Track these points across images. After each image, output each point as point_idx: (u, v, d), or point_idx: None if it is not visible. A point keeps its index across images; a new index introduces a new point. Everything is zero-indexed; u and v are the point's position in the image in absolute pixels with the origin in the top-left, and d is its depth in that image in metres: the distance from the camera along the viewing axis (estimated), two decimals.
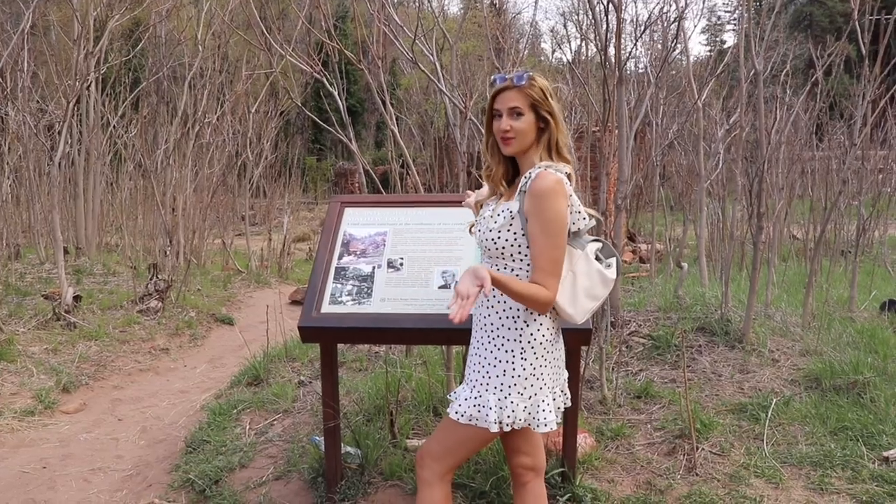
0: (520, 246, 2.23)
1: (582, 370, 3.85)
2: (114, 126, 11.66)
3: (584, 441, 3.67)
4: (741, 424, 4.08)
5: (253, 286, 10.17)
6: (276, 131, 13.25)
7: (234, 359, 6.49)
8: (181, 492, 3.76)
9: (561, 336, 2.40)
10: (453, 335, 2.94)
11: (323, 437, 3.47)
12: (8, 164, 10.07)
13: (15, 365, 5.64)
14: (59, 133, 8.12)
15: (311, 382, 4.95)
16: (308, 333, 2.96)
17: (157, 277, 7.68)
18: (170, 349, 6.83)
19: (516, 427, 2.26)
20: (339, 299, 3.02)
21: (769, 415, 4.08)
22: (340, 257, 3.20)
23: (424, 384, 4.18)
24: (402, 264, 3.14)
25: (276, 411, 4.55)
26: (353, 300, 3.01)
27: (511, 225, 2.23)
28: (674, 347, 5.16)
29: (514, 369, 2.26)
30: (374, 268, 3.14)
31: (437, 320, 2.89)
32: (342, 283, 3.08)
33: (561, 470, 3.36)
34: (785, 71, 6.15)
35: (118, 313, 7.26)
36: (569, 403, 2.46)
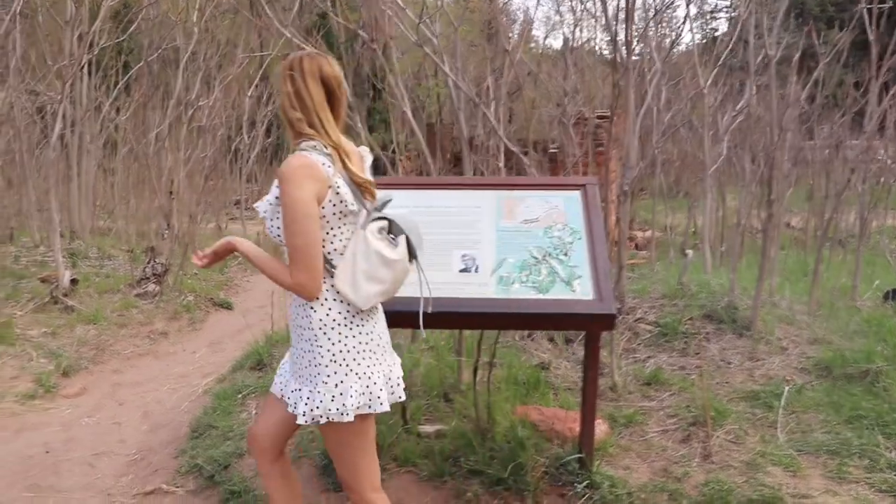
0: None
1: None
2: (106, 110, 11.51)
3: (597, 428, 3.63)
4: (754, 412, 4.06)
5: (250, 270, 10.08)
6: (270, 115, 13.12)
7: (233, 343, 6.42)
8: (189, 477, 3.71)
9: (374, 320, 2.29)
10: (475, 320, 2.89)
11: None
12: None
13: (14, 348, 5.55)
14: (55, 114, 8.01)
15: None
16: None
17: (155, 261, 7.58)
18: (168, 333, 6.76)
19: (332, 419, 2.17)
20: None
21: (782, 403, 4.05)
22: None
23: (434, 370, 4.13)
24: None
25: None
26: None
27: (278, 213, 2.18)
28: (681, 335, 5.14)
29: (315, 358, 2.20)
30: None
31: (459, 304, 2.84)
32: None
33: (578, 456, 3.33)
34: (797, 57, 6.11)
35: (115, 297, 7.17)
36: (402, 396, 2.35)
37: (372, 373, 2.22)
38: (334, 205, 2.15)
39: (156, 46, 11.54)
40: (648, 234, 11.11)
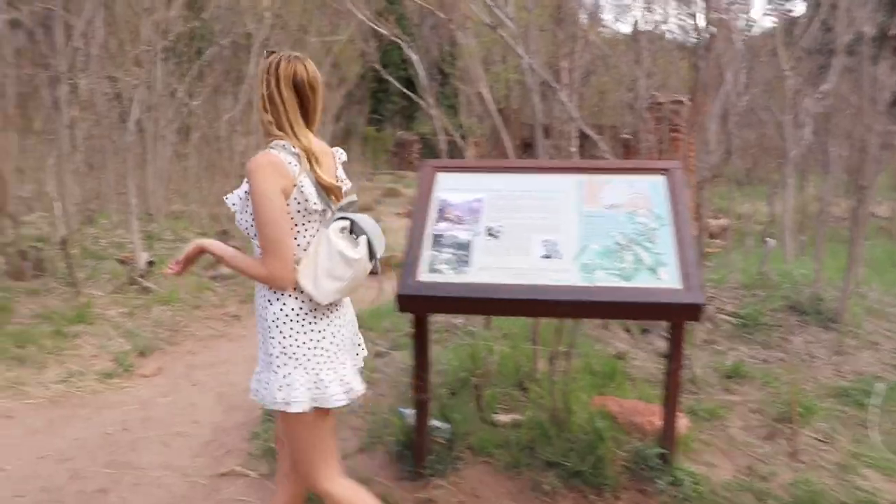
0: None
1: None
2: (180, 95, 11.70)
3: (678, 421, 3.51)
4: (844, 410, 3.88)
5: None
6: (341, 100, 13.17)
7: None
8: (262, 460, 3.72)
9: (329, 319, 2.30)
10: (558, 307, 2.80)
11: (410, 410, 3.38)
12: (78, 131, 10.18)
13: (94, 327, 5.70)
14: (131, 100, 8.18)
15: (388, 353, 4.86)
16: (407, 302, 2.84)
17: (227, 244, 7.68)
18: (241, 316, 6.84)
19: (279, 407, 2.24)
20: (437, 267, 2.89)
21: (876, 401, 3.85)
22: (436, 224, 3.07)
23: (509, 358, 4.05)
24: (500, 232, 3.00)
25: None
26: (452, 268, 2.88)
27: (247, 207, 2.25)
28: (763, 326, 4.95)
29: (269, 348, 2.27)
30: (471, 235, 3.00)
31: (542, 291, 2.75)
32: (439, 251, 2.95)
33: (660, 451, 3.21)
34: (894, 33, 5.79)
35: (190, 279, 7.28)
36: (359, 391, 2.36)
37: (321, 370, 2.25)
38: (298, 202, 2.21)
39: (228, 32, 11.69)
40: (723, 221, 10.79)
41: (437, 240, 3.01)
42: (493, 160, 3.55)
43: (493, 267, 2.87)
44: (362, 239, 2.28)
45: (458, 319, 5.11)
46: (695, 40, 4.71)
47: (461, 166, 3.36)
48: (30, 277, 6.46)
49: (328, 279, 2.21)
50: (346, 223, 2.29)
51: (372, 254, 2.31)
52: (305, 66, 2.26)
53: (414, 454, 3.30)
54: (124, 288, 6.65)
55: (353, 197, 2.40)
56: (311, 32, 12.35)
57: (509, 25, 4.82)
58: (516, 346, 4.18)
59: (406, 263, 2.91)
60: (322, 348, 2.26)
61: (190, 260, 2.37)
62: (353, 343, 2.44)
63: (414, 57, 4.93)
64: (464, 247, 2.96)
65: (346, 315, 2.41)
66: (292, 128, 2.24)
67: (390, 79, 5.61)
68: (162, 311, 6.38)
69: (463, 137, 5.93)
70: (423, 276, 2.87)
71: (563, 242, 2.94)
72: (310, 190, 2.21)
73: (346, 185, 2.44)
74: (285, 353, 2.23)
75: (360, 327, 5.58)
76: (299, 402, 2.20)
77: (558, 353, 3.61)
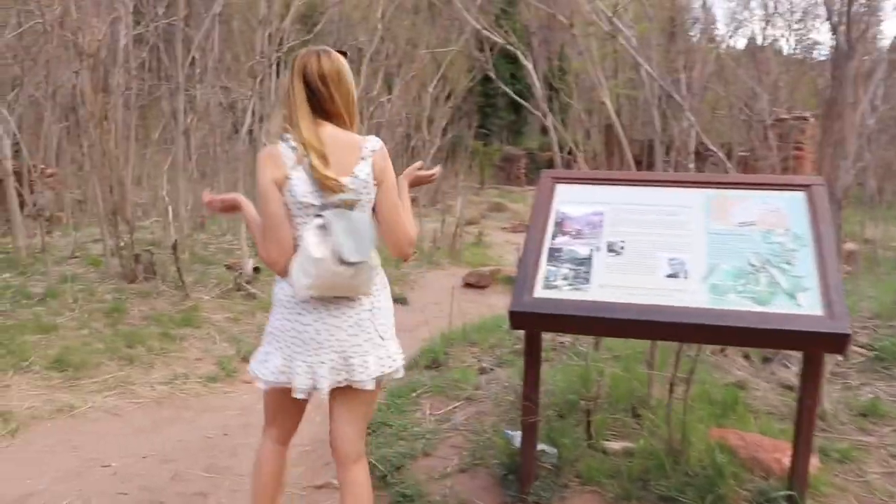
0: None
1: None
2: None
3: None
4: None
5: (425, 267, 10.15)
6: (449, 114, 13.20)
7: (408, 339, 6.32)
8: None
9: (316, 314, 2.31)
10: (685, 331, 2.58)
11: (514, 431, 3.22)
12: (194, 139, 10.50)
13: (200, 331, 5.81)
14: (244, 110, 8.37)
15: (493, 370, 4.70)
16: (520, 319, 2.68)
17: None
18: None
19: (257, 376, 2.43)
20: (554, 283, 2.72)
21: None
22: (553, 237, 2.90)
23: (622, 381, 3.82)
24: (622, 248, 2.81)
25: (457, 398, 4.33)
26: (570, 285, 2.71)
27: None
28: None
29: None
30: (591, 250, 2.82)
31: (669, 312, 2.54)
32: (557, 266, 2.78)
33: (787, 493, 2.92)
34: None
35: None
36: (320, 389, 2.35)
37: (295, 358, 2.33)
38: (292, 195, 2.27)
39: (339, 44, 11.89)
40: (850, 245, 10.16)
41: (555, 254, 2.84)
42: (615, 172, 3.35)
43: (615, 285, 2.68)
44: (329, 239, 2.24)
45: (566, 338, 4.91)
46: (825, 55, 4.38)
47: (581, 177, 3.18)
48: (142, 280, 6.66)
49: (300, 273, 2.24)
50: (322, 220, 2.27)
51: (342, 258, 2.21)
52: (319, 59, 2.29)
53: (519, 478, 3.13)
54: (230, 293, 6.77)
55: (347, 194, 2.31)
56: (420, 45, 12.44)
57: (628, 35, 4.63)
58: (629, 369, 3.95)
59: (521, 278, 2.75)
60: (302, 341, 2.32)
61: (226, 205, 2.50)
62: (349, 347, 2.36)
63: (529, 65, 4.80)
64: (583, 262, 2.78)
65: (349, 317, 2.35)
66: (297, 120, 2.28)
67: (503, 86, 5.49)
68: (266, 317, 6.42)
69: (570, 153, 5.76)
70: (539, 292, 2.70)
71: (690, 261, 2.72)
72: (297, 184, 2.26)
73: (356, 180, 2.32)
74: (271, 334, 2.39)
75: (463, 341, 5.46)
76: (265, 380, 2.38)
77: (677, 379, 3.37)
